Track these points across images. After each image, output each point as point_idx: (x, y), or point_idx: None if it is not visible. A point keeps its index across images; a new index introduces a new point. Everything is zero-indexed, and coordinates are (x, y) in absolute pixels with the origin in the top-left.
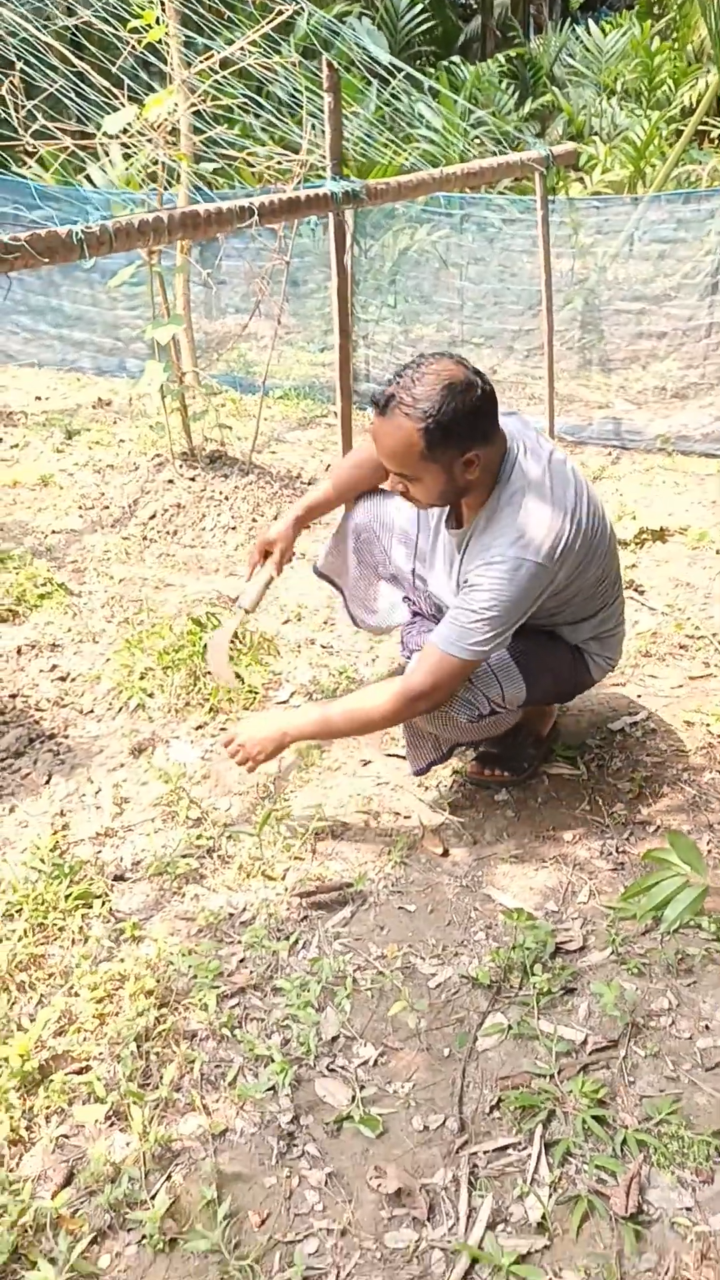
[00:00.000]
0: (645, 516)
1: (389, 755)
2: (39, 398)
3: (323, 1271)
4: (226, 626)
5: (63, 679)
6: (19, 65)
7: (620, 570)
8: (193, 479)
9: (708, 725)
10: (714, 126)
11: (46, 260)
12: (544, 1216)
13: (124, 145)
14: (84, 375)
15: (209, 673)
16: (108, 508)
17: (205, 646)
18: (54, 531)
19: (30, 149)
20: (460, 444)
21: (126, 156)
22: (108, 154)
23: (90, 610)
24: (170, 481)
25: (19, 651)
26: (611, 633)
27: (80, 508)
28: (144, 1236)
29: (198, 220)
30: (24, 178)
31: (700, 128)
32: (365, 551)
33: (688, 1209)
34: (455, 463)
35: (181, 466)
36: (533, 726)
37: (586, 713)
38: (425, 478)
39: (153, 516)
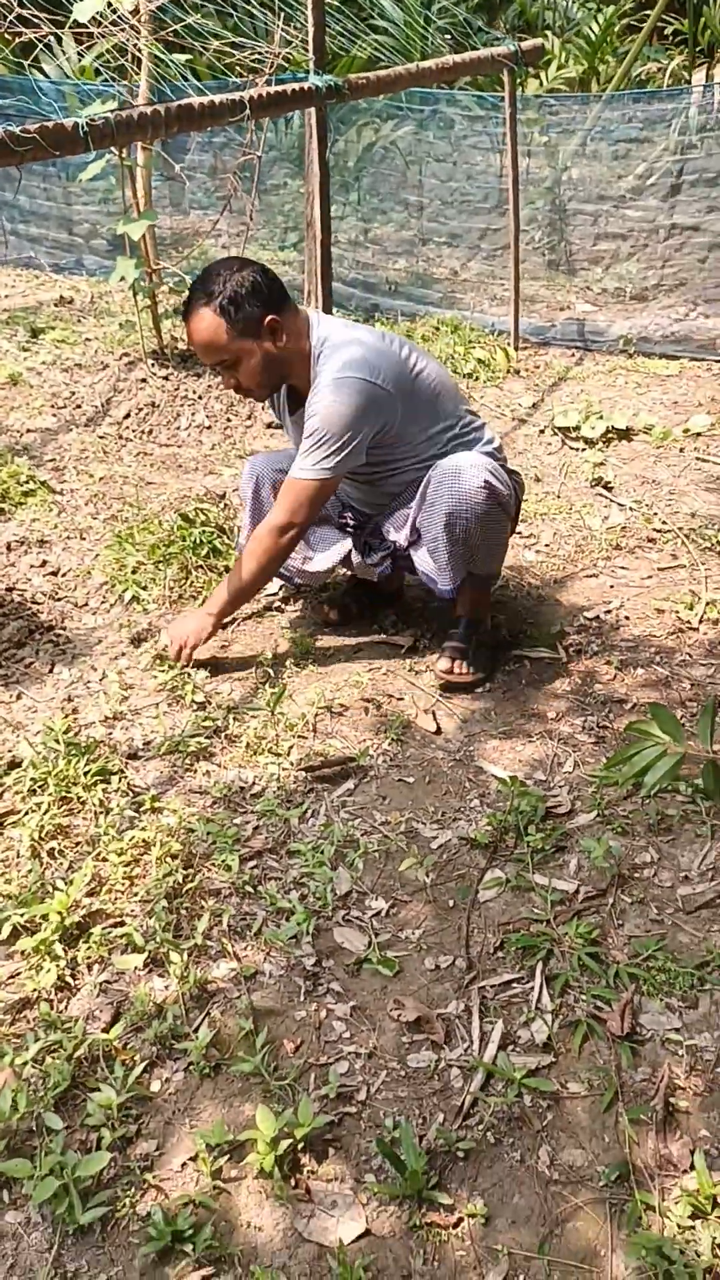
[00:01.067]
0: (611, 416)
1: (379, 642)
2: None
3: (354, 1088)
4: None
5: (54, 574)
6: None
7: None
8: (165, 378)
9: (676, 612)
10: (669, 22)
11: (56, 153)
12: (549, 1038)
13: (98, 33)
14: (42, 273)
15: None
16: (80, 407)
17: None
18: (28, 430)
19: (7, 36)
20: (257, 310)
21: (82, 52)
22: (60, 43)
23: (75, 507)
24: (142, 380)
25: (9, 548)
26: (500, 452)
27: (53, 407)
28: (190, 1064)
29: (192, 113)
30: None
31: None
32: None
33: (676, 1029)
34: (261, 331)
35: (153, 365)
36: (484, 617)
37: (564, 602)
38: (243, 356)
39: (127, 416)
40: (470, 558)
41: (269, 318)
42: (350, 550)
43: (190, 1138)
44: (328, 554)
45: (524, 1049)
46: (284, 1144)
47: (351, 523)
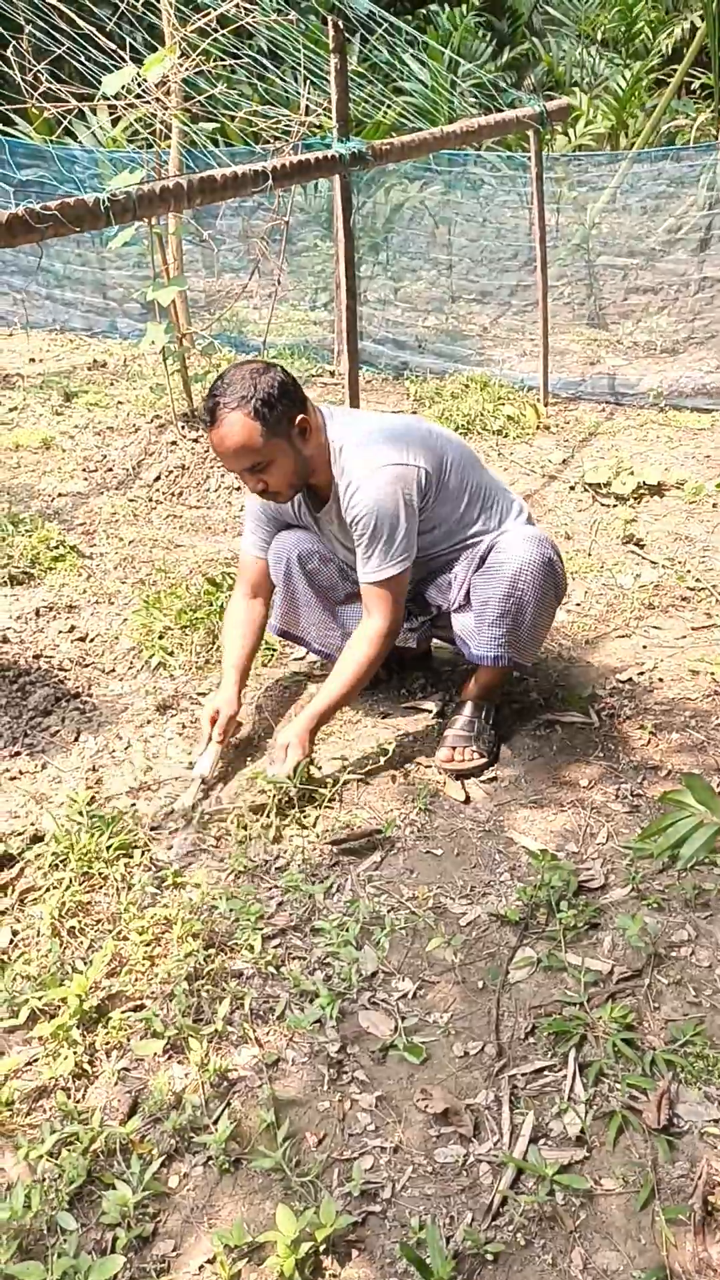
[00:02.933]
0: (642, 472)
1: (405, 708)
2: (33, 359)
3: (379, 1185)
4: (185, 797)
5: (82, 639)
6: (28, 30)
7: (489, 473)
8: (195, 440)
9: (712, 673)
10: (695, 77)
11: (77, 229)
12: (582, 1131)
13: (123, 105)
14: (76, 336)
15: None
16: (111, 470)
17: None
18: (60, 494)
19: (36, 109)
20: (287, 412)
21: (115, 120)
22: (95, 113)
23: (104, 572)
24: (173, 443)
25: (37, 613)
26: (530, 522)
27: (84, 470)
28: (210, 1158)
29: (215, 185)
30: (15, 136)
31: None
32: (316, 581)
33: (715, 1120)
34: (292, 432)
35: (183, 427)
36: (491, 703)
37: (595, 664)
38: (275, 458)
39: (158, 478)
40: (515, 629)
41: (299, 418)
42: None
43: (209, 1238)
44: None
45: (556, 1142)
46: (305, 1246)
47: None
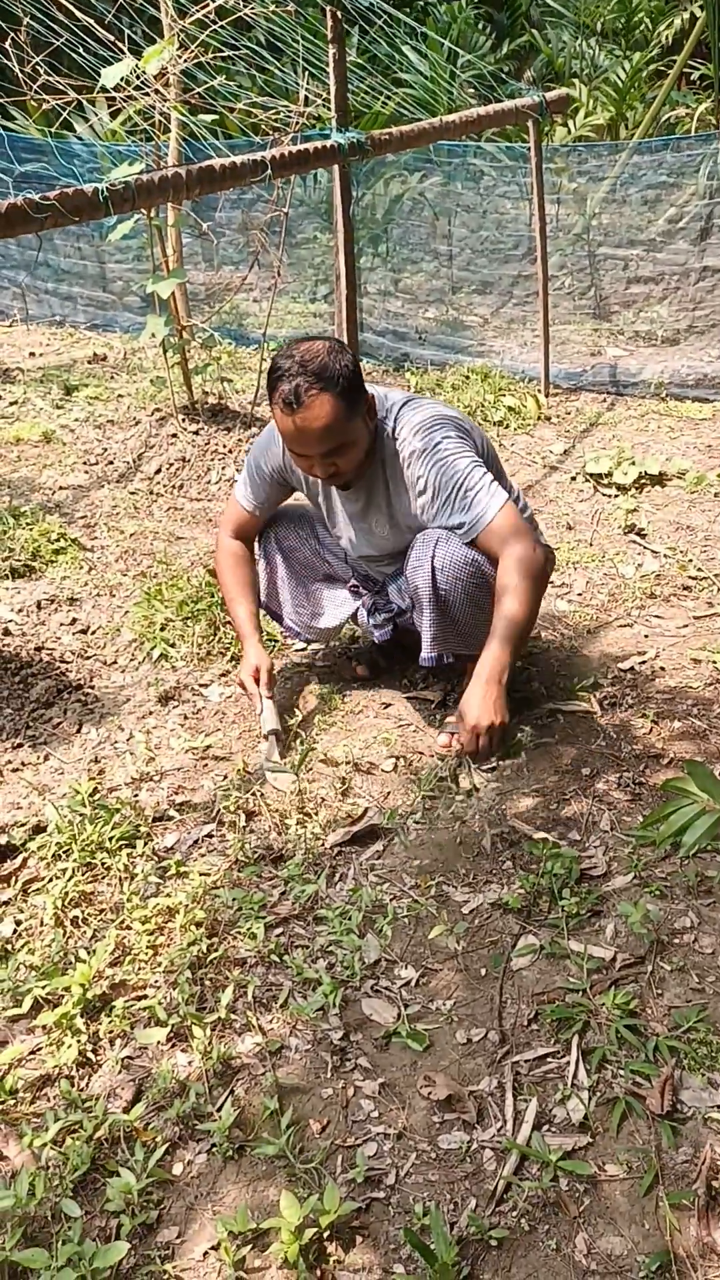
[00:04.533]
0: (643, 462)
1: (408, 698)
2: (33, 353)
3: (382, 1172)
4: (268, 751)
5: (84, 632)
6: (25, 21)
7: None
8: (196, 433)
9: (714, 662)
10: (695, 68)
11: (76, 219)
12: (586, 1117)
13: (122, 98)
14: (77, 330)
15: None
16: (112, 463)
17: (259, 769)
18: (61, 488)
19: (34, 102)
20: (363, 393)
21: (114, 113)
22: (93, 105)
23: (105, 564)
24: (173, 436)
25: (39, 606)
26: (532, 521)
27: (84, 463)
28: (213, 1145)
29: (214, 175)
30: (13, 130)
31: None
32: (294, 558)
33: (718, 1107)
34: (364, 413)
35: (184, 420)
36: None
37: (597, 653)
38: (355, 438)
39: (158, 471)
40: (453, 629)
41: (368, 396)
42: (358, 609)
43: (212, 1225)
44: (335, 612)
45: (560, 1129)
46: (309, 1232)
47: (361, 589)
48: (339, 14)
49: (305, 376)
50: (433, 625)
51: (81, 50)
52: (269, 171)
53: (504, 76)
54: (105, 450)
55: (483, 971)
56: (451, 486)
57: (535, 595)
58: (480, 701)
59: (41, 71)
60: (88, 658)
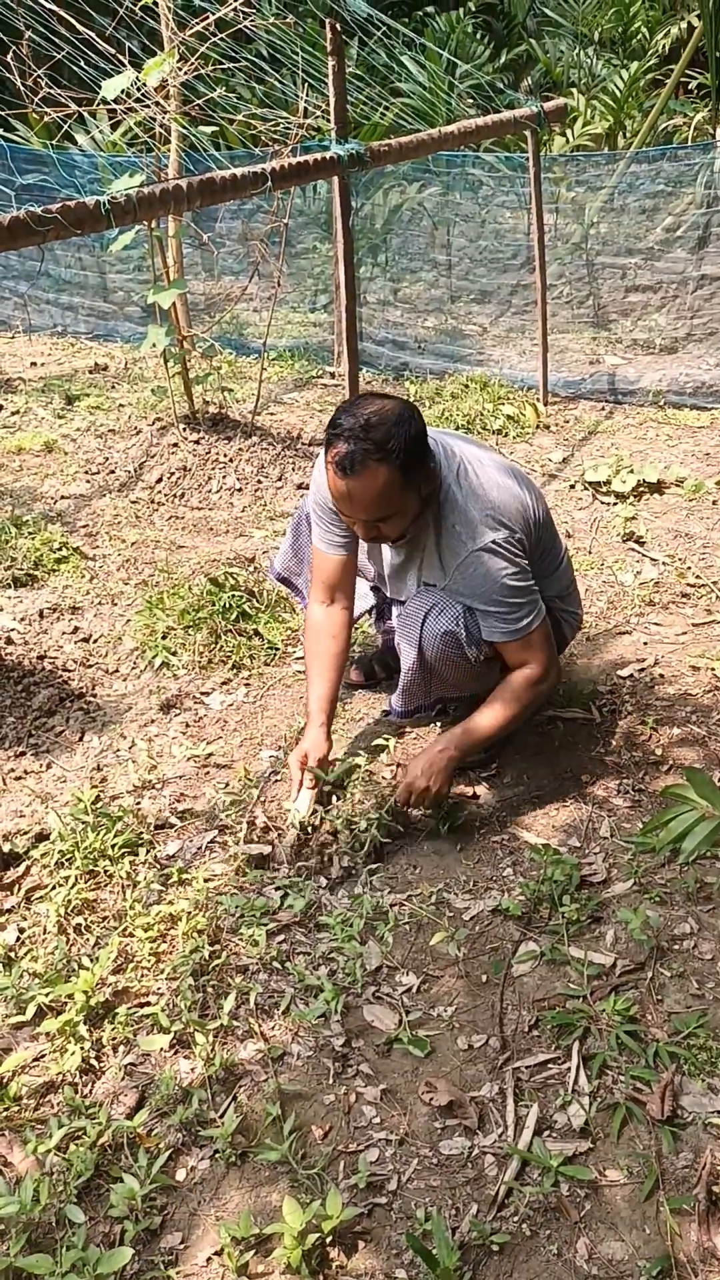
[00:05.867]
0: (642, 470)
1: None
2: (35, 363)
3: (385, 1177)
4: (285, 843)
5: (86, 640)
6: (27, 34)
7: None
8: (196, 442)
9: (713, 669)
10: (692, 77)
11: (78, 231)
12: (586, 1122)
13: (123, 110)
14: (78, 340)
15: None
16: (113, 472)
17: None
18: (63, 497)
19: (36, 114)
20: (425, 463)
21: (114, 125)
22: (94, 117)
23: (106, 573)
24: (174, 445)
25: (41, 615)
26: (569, 588)
27: (86, 473)
28: (216, 1151)
29: (214, 186)
30: (15, 141)
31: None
32: None
33: (718, 1112)
34: (422, 483)
35: (184, 429)
36: None
37: (597, 661)
38: (406, 508)
39: (159, 480)
40: (428, 685)
41: (429, 466)
42: (373, 607)
43: (216, 1230)
44: (356, 603)
45: (561, 1134)
46: (312, 1237)
47: (379, 588)
48: (338, 27)
49: (365, 443)
50: (409, 683)
51: (83, 63)
52: (269, 183)
53: (502, 86)
54: (107, 459)
55: (484, 978)
56: (500, 603)
57: (521, 715)
58: (425, 765)
59: (43, 84)
60: (90, 666)
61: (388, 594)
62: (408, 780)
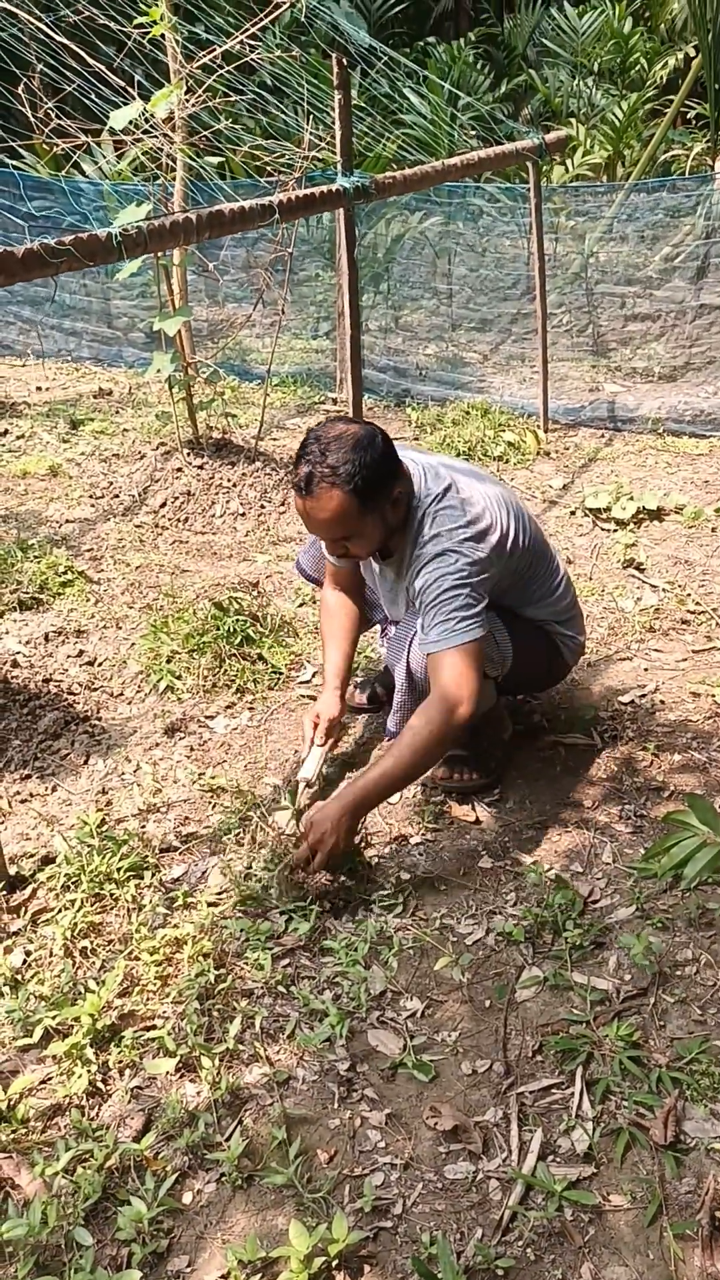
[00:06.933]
0: (642, 497)
1: None
2: (40, 388)
3: (390, 1201)
4: (300, 794)
5: (91, 664)
6: (39, 67)
7: (552, 549)
8: (200, 467)
9: (713, 695)
10: (691, 107)
11: (90, 263)
12: (590, 1147)
13: (130, 140)
14: (83, 365)
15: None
16: (118, 496)
17: (269, 815)
18: (68, 521)
19: (45, 144)
20: (385, 488)
21: (120, 154)
22: (100, 147)
23: (111, 597)
24: (179, 470)
25: (46, 638)
26: (569, 611)
27: (91, 497)
28: (222, 1175)
29: (223, 219)
30: (21, 169)
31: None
32: None
33: None
34: (385, 506)
35: (189, 454)
36: (496, 731)
37: (597, 687)
38: (365, 530)
39: (163, 504)
40: (399, 708)
41: (395, 492)
42: (379, 623)
43: (222, 1253)
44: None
45: (564, 1159)
46: (318, 1261)
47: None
48: (344, 61)
49: (321, 467)
50: (401, 703)
51: (92, 95)
52: (277, 215)
53: (502, 116)
54: (111, 484)
55: (487, 1003)
56: (440, 602)
57: (426, 755)
58: (330, 821)
59: (52, 115)
60: (95, 689)
61: (387, 615)
62: (312, 838)
